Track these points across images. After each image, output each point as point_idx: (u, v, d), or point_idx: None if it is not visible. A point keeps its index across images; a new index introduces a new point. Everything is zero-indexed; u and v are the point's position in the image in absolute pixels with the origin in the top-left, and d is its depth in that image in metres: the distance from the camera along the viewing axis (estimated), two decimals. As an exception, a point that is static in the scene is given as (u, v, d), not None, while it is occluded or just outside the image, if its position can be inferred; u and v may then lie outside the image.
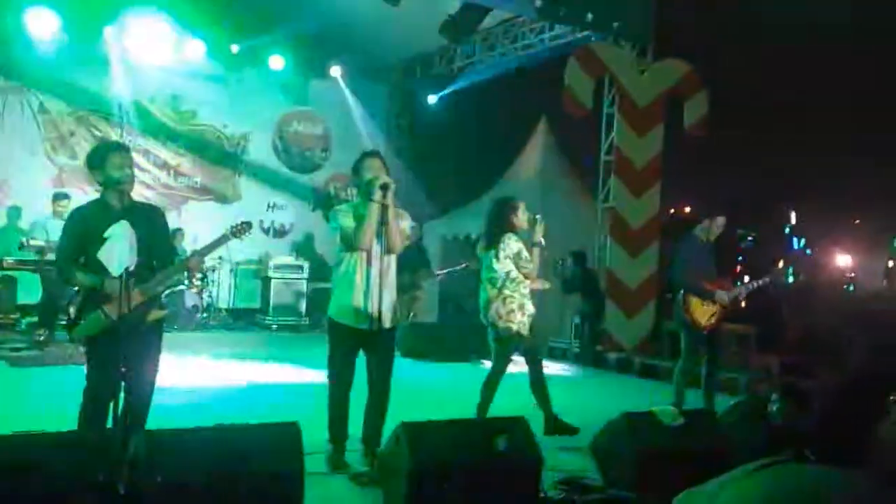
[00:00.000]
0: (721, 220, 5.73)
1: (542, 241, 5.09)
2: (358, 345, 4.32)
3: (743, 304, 6.04)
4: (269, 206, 12.02)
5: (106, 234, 3.75)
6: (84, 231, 3.79)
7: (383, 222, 4.21)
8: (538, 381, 5.15)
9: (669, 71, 9.64)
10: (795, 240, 17.90)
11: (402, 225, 4.37)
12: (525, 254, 4.97)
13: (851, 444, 1.45)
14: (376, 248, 4.24)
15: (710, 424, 4.44)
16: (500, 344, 5.08)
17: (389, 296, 4.31)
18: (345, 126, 12.30)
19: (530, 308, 5.06)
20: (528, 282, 5.03)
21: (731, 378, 7.33)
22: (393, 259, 4.35)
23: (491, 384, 5.11)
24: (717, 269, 5.74)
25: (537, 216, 5.11)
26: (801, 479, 1.25)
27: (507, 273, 4.97)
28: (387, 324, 4.30)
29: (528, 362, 5.21)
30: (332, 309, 4.39)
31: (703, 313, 5.60)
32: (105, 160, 3.79)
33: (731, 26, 10.19)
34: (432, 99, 12.77)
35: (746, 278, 5.96)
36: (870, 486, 1.28)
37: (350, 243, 4.26)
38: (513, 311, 4.97)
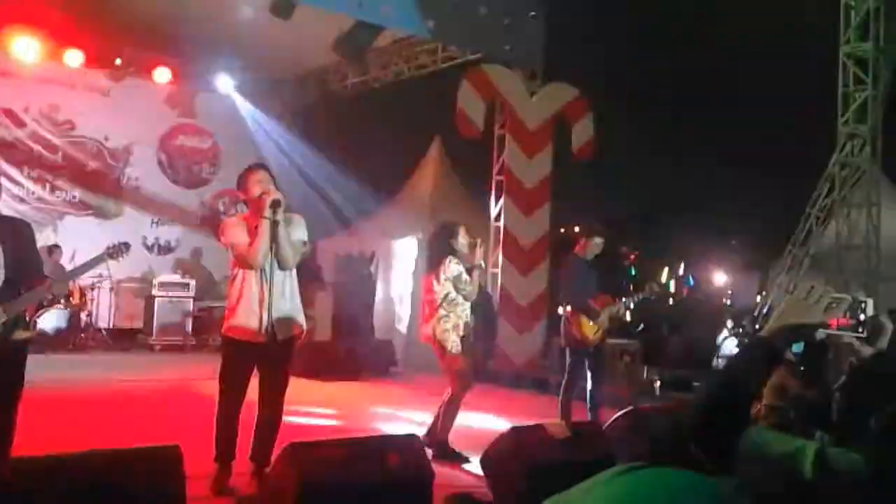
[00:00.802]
0: (598, 239, 5.94)
1: (482, 263, 5.32)
2: (251, 360, 4.19)
3: (623, 321, 6.26)
4: (153, 222, 11.57)
5: None
6: None
7: (274, 239, 4.12)
8: (452, 403, 5.18)
9: (558, 94, 9.96)
10: (677, 259, 18.76)
11: (295, 237, 4.27)
12: (465, 276, 5.12)
13: (716, 452, 1.53)
14: (269, 264, 4.15)
15: (597, 437, 4.55)
16: (444, 362, 5.21)
17: (283, 308, 4.20)
18: (235, 141, 12.02)
19: (465, 329, 5.21)
20: (465, 303, 5.18)
21: (616, 392, 7.56)
22: (288, 273, 4.26)
23: (452, 401, 5.18)
24: (599, 287, 5.93)
25: (478, 240, 5.32)
26: (663, 481, 1.30)
27: (446, 295, 5.12)
28: (280, 335, 4.18)
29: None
30: (225, 324, 4.26)
31: (589, 329, 5.77)
32: None
33: (621, 47, 10.63)
34: (325, 116, 12.65)
35: (628, 296, 6.16)
36: (727, 492, 1.34)
37: (243, 260, 4.15)
38: (447, 330, 5.11)
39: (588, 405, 5.85)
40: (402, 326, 10.25)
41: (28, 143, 10.50)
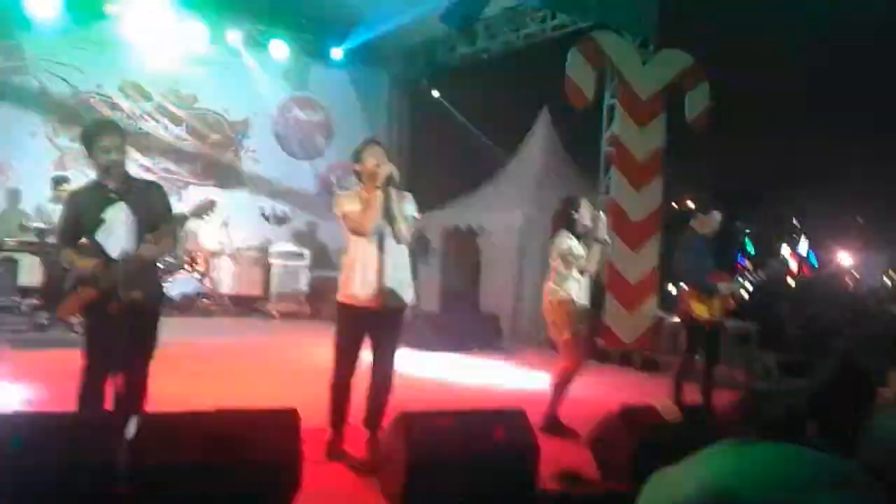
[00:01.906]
0: (716, 214, 5.74)
1: (606, 237, 5.21)
2: (363, 327, 4.31)
3: (743, 299, 6.03)
4: (271, 191, 12.00)
5: (103, 216, 3.74)
6: (79, 213, 3.79)
7: (387, 211, 4.22)
8: (562, 379, 5.19)
9: (671, 62, 9.58)
10: (797, 236, 17.89)
11: (407, 213, 4.36)
12: (578, 250, 5.06)
13: (835, 433, 1.47)
14: (382, 234, 4.25)
15: (709, 420, 4.44)
16: (555, 336, 5.21)
17: (395, 278, 4.29)
18: (347, 114, 12.27)
19: (577, 305, 5.12)
20: (580, 278, 5.10)
21: (729, 374, 7.33)
22: (400, 245, 4.34)
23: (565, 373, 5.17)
24: (715, 264, 5.74)
25: (599, 212, 5.23)
26: (778, 453, 1.26)
27: (556, 269, 5.11)
28: (391, 303, 4.28)
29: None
30: (339, 292, 4.40)
31: (702, 308, 5.60)
32: (93, 143, 3.77)
33: (736, 15, 10.11)
34: (434, 89, 12.72)
35: (746, 274, 5.94)
36: (846, 470, 1.29)
37: (355, 229, 4.26)
38: (558, 303, 5.10)
39: (701, 387, 5.70)
40: (508, 300, 10.25)
41: (155, 114, 11.04)
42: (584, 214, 5.16)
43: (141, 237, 3.77)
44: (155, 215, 3.85)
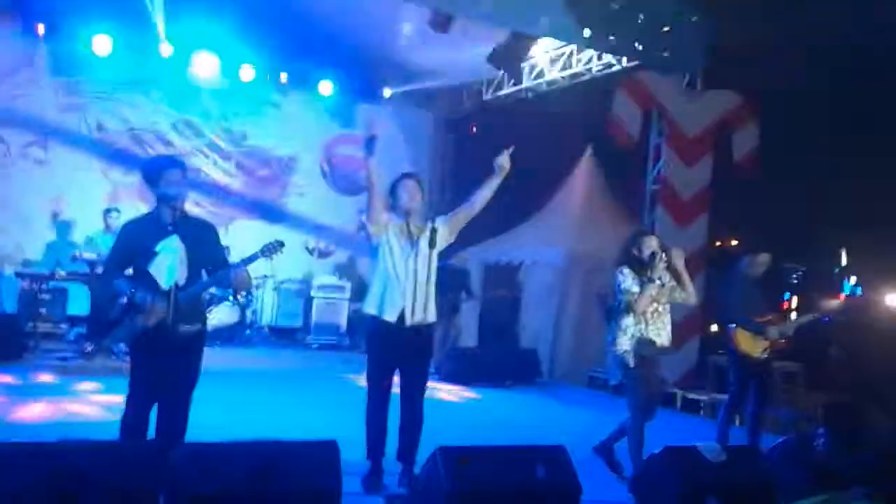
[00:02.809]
0: (764, 256, 5.67)
1: (661, 278, 4.93)
2: (394, 349, 4.33)
3: (790, 340, 5.91)
4: (315, 226, 12.16)
5: (157, 248, 3.83)
6: (133, 243, 3.89)
7: (417, 235, 4.40)
8: (631, 432, 4.93)
9: (719, 101, 9.54)
10: (846, 277, 17.46)
11: (438, 239, 4.42)
12: (628, 285, 4.88)
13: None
14: (410, 255, 4.35)
15: (754, 461, 4.33)
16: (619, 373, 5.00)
17: (422, 292, 4.34)
18: (391, 150, 12.40)
19: (642, 346, 4.86)
20: (643, 317, 4.87)
21: (776, 416, 7.15)
22: (429, 257, 4.39)
23: (628, 423, 4.93)
24: (764, 304, 5.66)
25: (661, 252, 4.96)
26: None
27: (617, 304, 4.95)
28: (416, 319, 4.31)
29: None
30: (366, 303, 4.46)
31: (752, 347, 5.51)
32: (161, 175, 3.87)
33: (785, 55, 10.02)
34: (474, 127, 12.82)
35: (794, 314, 5.84)
36: None
37: (371, 221, 4.41)
38: (615, 339, 4.90)
39: (748, 428, 5.57)
40: (548, 336, 10.18)
41: (206, 151, 11.33)
42: (644, 251, 4.96)
43: (192, 272, 3.86)
44: (207, 252, 3.96)
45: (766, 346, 5.53)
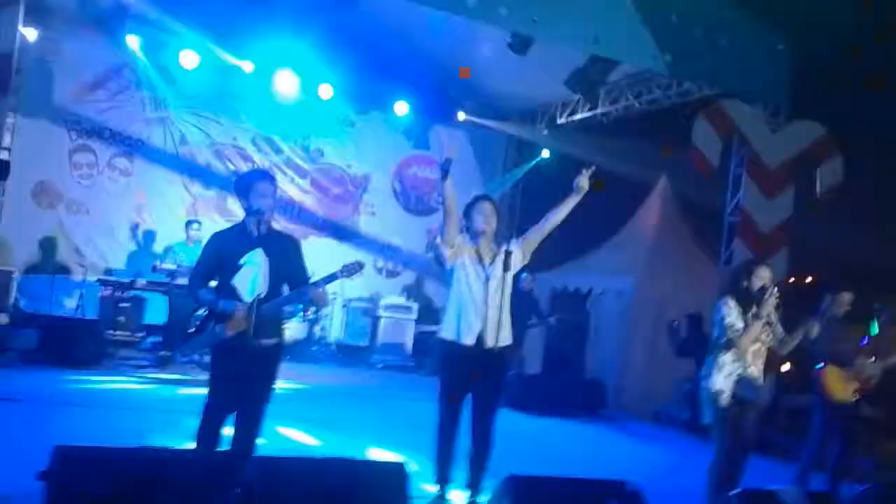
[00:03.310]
0: (847, 296, 5.43)
1: (768, 315, 4.63)
2: (466, 371, 4.30)
3: (873, 383, 5.65)
4: (384, 246, 12.26)
5: (242, 261, 3.90)
6: (219, 254, 3.97)
7: (492, 257, 4.41)
8: (711, 471, 4.69)
9: (803, 132, 9.25)
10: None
11: (513, 261, 4.39)
12: (731, 320, 4.59)
13: None
14: (487, 277, 4.34)
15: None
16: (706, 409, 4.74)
17: (497, 317, 4.30)
18: (464, 171, 12.45)
19: (736, 386, 4.60)
20: (743, 354, 4.61)
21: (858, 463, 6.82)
22: (504, 280, 4.36)
23: (712, 465, 4.68)
24: (850, 343, 5.43)
25: (768, 286, 4.65)
26: None
27: (717, 337, 4.70)
28: (492, 342, 4.27)
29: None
30: (442, 327, 4.46)
31: (843, 389, 5.27)
32: (251, 188, 3.96)
33: (871, 87, 9.68)
34: (546, 152, 12.72)
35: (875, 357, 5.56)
36: None
37: (444, 247, 4.39)
38: (709, 374, 4.63)
39: (829, 475, 5.33)
40: (614, 367, 9.98)
41: (283, 167, 11.57)
42: (755, 283, 4.64)
43: (274, 285, 3.92)
44: (289, 266, 4.01)
45: (856, 388, 5.29)
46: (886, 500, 4.46)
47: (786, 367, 5.40)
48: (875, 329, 5.90)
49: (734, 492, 4.04)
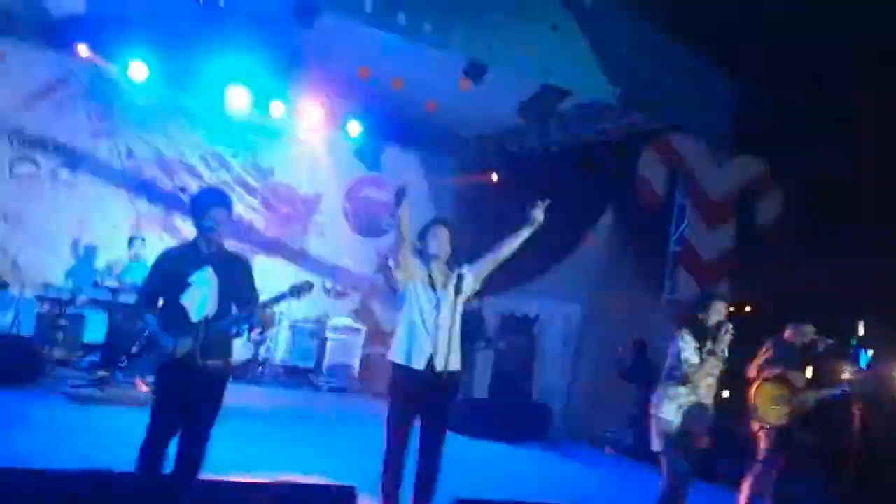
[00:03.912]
0: (809, 328, 5.62)
1: (723, 351, 4.69)
2: (415, 396, 4.29)
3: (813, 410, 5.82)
4: (333, 267, 12.16)
5: (191, 280, 3.84)
6: (169, 272, 3.90)
7: (442, 281, 4.42)
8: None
9: (745, 167, 9.59)
10: (863, 350, 17.25)
11: (463, 286, 4.42)
12: (687, 354, 4.65)
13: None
14: (438, 302, 4.36)
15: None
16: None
17: (447, 339, 4.33)
18: (415, 194, 12.45)
19: (687, 416, 4.66)
20: (693, 385, 4.66)
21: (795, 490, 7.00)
22: (455, 305, 4.37)
23: (661, 492, 4.72)
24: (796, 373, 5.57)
25: (724, 322, 4.73)
26: None
27: (671, 368, 4.76)
28: (441, 366, 4.28)
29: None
30: (393, 351, 4.44)
31: (771, 408, 5.40)
32: (207, 207, 3.91)
33: (815, 123, 10.07)
34: (495, 177, 12.83)
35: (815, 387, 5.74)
36: None
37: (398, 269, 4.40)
38: (661, 404, 4.71)
39: (767, 496, 5.45)
40: (561, 392, 10.07)
41: (232, 184, 11.41)
42: (711, 318, 4.72)
43: (223, 306, 3.86)
44: (239, 287, 3.96)
45: (788, 412, 5.41)
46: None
47: (725, 393, 5.49)
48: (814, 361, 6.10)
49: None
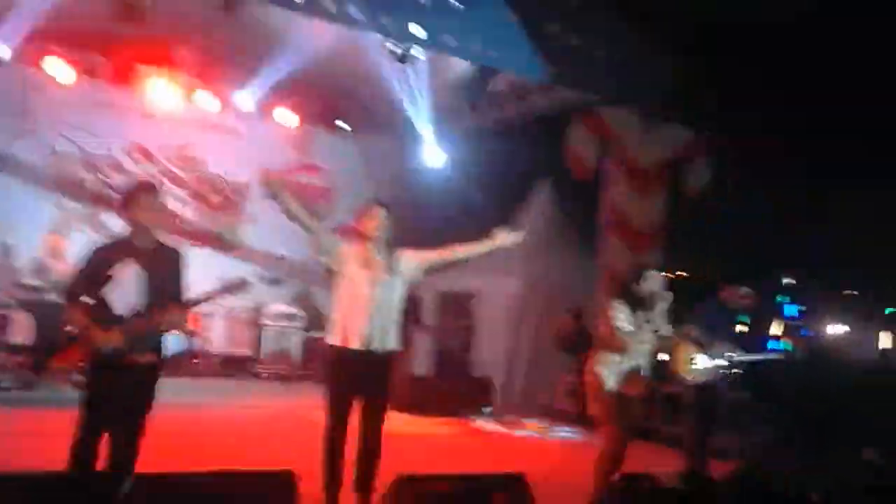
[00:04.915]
0: (744, 290, 5.75)
1: (652, 316, 4.79)
2: (352, 375, 4.30)
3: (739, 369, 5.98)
4: (267, 254, 12.01)
5: (118, 274, 3.75)
6: (98, 267, 3.80)
7: (379, 262, 4.39)
8: (598, 463, 4.80)
9: (673, 135, 9.79)
10: (787, 307, 17.98)
11: (401, 266, 4.43)
12: (622, 323, 4.72)
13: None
14: (373, 282, 4.33)
15: (710, 487, 4.38)
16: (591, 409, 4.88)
17: (383, 323, 4.33)
18: (350, 178, 12.39)
19: (623, 378, 4.76)
20: (619, 349, 4.74)
21: (728, 443, 7.24)
22: (391, 285, 4.38)
23: (600, 454, 4.80)
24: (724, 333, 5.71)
25: (657, 293, 4.80)
26: None
27: (606, 336, 4.84)
28: (378, 345, 4.29)
29: None
30: (328, 331, 4.43)
31: (686, 364, 5.54)
32: (134, 200, 3.84)
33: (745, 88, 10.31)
34: (433, 155, 12.82)
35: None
36: None
37: (347, 277, 4.37)
38: (596, 369, 4.78)
39: (695, 454, 5.61)
40: (501, 365, 10.20)
41: (160, 177, 11.13)
42: (645, 287, 4.79)
43: (153, 300, 3.78)
44: (169, 281, 3.89)
45: (698, 370, 5.55)
46: (749, 481, 4.75)
47: (663, 356, 5.60)
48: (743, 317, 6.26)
49: (615, 476, 4.22)
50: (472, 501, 3.57)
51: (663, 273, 5.05)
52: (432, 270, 4.63)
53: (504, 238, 4.52)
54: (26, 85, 9.99)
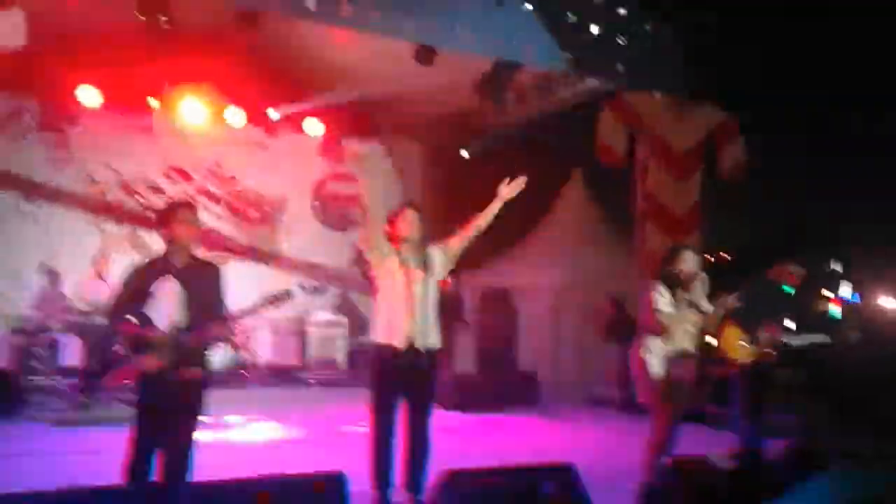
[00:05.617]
0: (795, 268, 5.65)
1: (698, 300, 4.77)
2: (397, 376, 4.35)
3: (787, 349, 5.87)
4: (307, 264, 12.13)
5: (161, 293, 3.83)
6: (138, 287, 3.88)
7: (415, 262, 4.46)
8: (647, 447, 4.84)
9: (704, 117, 9.65)
10: (838, 281, 17.58)
11: (436, 263, 4.49)
12: (662, 305, 4.72)
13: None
14: (411, 282, 4.40)
15: (764, 467, 4.29)
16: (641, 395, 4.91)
17: (424, 318, 4.40)
18: (382, 184, 12.45)
19: (662, 358, 4.76)
20: (663, 333, 4.74)
21: (782, 423, 7.11)
22: (428, 283, 4.45)
23: (650, 439, 4.83)
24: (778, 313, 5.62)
25: (694, 273, 4.79)
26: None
27: (648, 320, 4.84)
28: (421, 344, 4.34)
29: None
30: (372, 332, 4.52)
31: (738, 349, 5.46)
32: (171, 219, 3.91)
33: (770, 67, 10.14)
34: (464, 153, 12.82)
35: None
36: None
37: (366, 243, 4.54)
38: (642, 355, 4.79)
39: (749, 433, 5.53)
40: (546, 358, 10.16)
41: (197, 196, 11.32)
42: (682, 267, 4.79)
43: (194, 316, 3.85)
44: (209, 296, 3.95)
45: (753, 352, 5.46)
46: (806, 457, 4.66)
47: (710, 339, 5.52)
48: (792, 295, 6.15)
49: (666, 459, 4.17)
50: (521, 494, 3.56)
51: (702, 254, 5.00)
52: (463, 253, 4.65)
53: (508, 190, 4.57)
54: (63, 113, 10.22)
